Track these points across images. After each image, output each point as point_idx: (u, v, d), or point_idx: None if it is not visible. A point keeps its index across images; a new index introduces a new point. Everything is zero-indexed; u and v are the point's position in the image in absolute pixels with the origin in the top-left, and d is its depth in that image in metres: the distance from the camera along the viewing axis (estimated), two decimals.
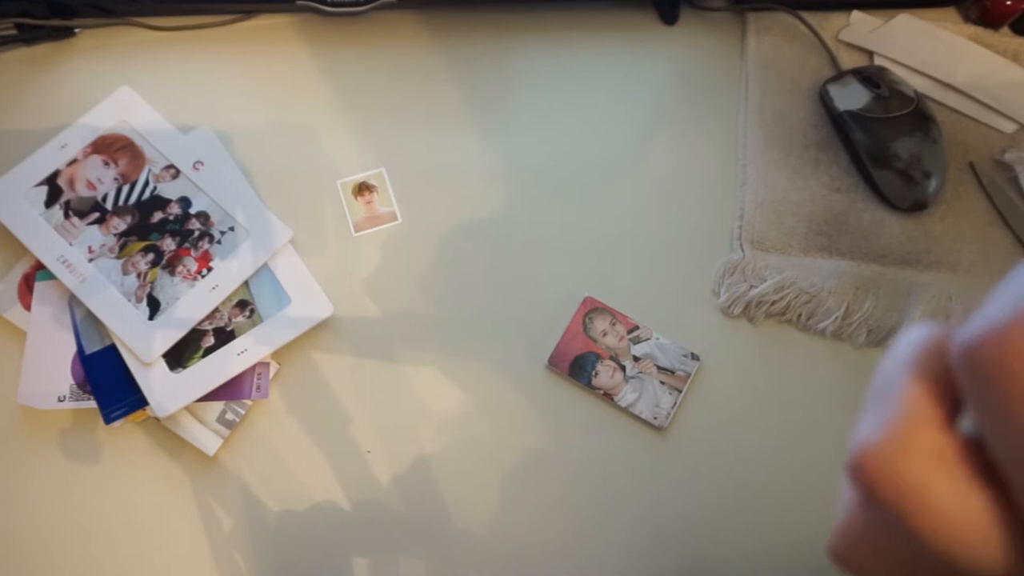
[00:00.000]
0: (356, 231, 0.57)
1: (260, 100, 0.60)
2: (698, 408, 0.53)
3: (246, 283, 0.54)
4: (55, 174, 0.55)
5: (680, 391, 0.52)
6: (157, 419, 0.50)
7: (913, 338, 0.16)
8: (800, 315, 0.55)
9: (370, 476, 0.51)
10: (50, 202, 0.54)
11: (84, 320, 0.52)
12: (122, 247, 0.53)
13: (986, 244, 0.57)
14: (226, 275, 0.53)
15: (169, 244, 0.54)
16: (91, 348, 0.51)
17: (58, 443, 0.51)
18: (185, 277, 0.53)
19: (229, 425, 0.51)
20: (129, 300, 0.52)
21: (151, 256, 0.53)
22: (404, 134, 0.60)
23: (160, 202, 0.55)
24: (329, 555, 0.49)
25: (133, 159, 0.56)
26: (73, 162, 0.55)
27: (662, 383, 0.52)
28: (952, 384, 0.15)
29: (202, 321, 0.52)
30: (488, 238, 0.57)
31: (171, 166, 0.56)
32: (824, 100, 0.61)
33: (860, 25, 0.64)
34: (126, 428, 0.51)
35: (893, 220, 0.57)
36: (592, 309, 0.54)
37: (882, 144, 0.57)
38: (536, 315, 0.55)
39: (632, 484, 0.51)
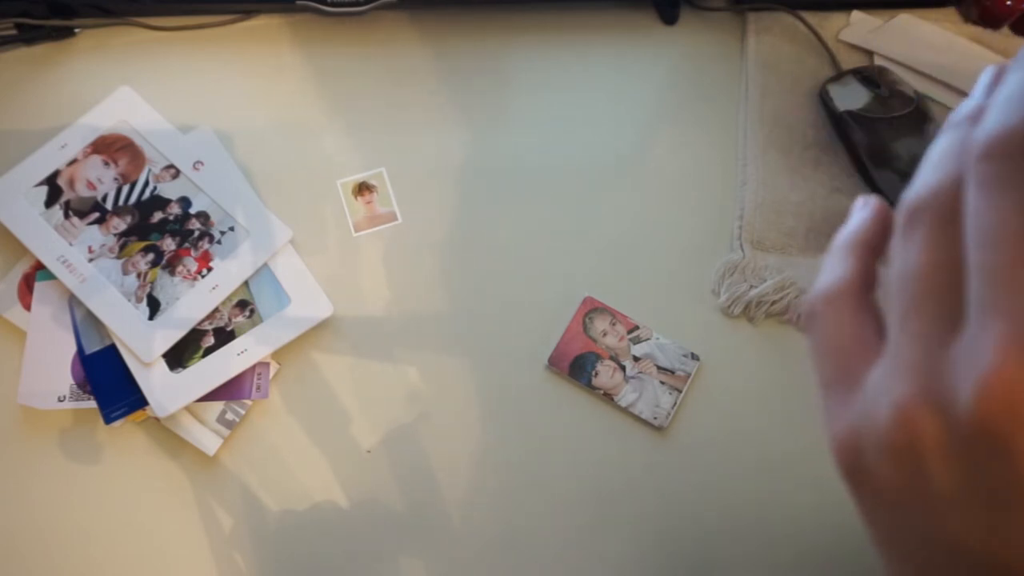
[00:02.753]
0: (356, 231, 0.57)
1: (260, 100, 0.60)
2: (698, 408, 0.53)
3: (246, 283, 0.54)
4: (55, 174, 0.55)
5: (680, 391, 0.52)
6: (157, 419, 0.50)
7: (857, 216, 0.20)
8: (800, 315, 0.55)
9: (370, 476, 0.51)
10: (50, 202, 0.54)
11: (84, 320, 0.52)
12: (122, 247, 0.53)
13: None
14: (226, 275, 0.53)
15: (169, 244, 0.54)
16: (91, 348, 0.51)
17: (58, 443, 0.51)
18: (185, 277, 0.53)
19: (229, 425, 0.51)
20: (129, 300, 0.52)
21: (151, 256, 0.53)
22: (404, 134, 0.60)
23: (160, 202, 0.55)
24: (329, 555, 0.49)
25: (133, 159, 0.56)
26: (73, 162, 0.55)
27: (662, 383, 0.53)
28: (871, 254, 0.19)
29: (202, 321, 0.52)
30: (488, 238, 0.57)
31: (171, 166, 0.56)
32: (824, 100, 0.61)
33: (860, 25, 0.64)
34: (126, 428, 0.51)
35: None
36: (592, 309, 0.54)
37: (882, 144, 0.57)
38: (536, 315, 0.55)
39: (632, 484, 0.51)
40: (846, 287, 0.19)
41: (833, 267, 0.19)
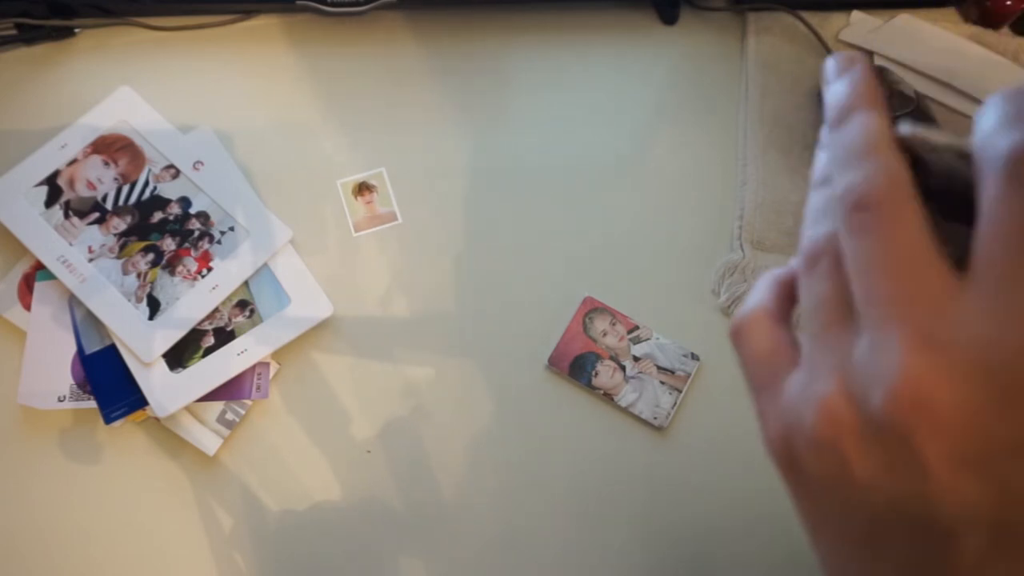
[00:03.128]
0: (356, 231, 0.57)
1: (260, 100, 0.60)
2: (698, 408, 0.53)
3: (246, 283, 0.54)
4: (55, 174, 0.55)
5: (680, 391, 0.52)
6: (157, 419, 0.50)
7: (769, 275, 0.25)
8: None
9: (370, 476, 0.51)
10: (50, 202, 0.54)
11: (84, 320, 0.52)
12: (122, 247, 0.53)
13: None
14: (226, 275, 0.53)
15: (169, 244, 0.54)
16: (91, 348, 0.51)
17: (58, 443, 0.51)
18: (185, 277, 0.53)
19: (229, 425, 0.51)
20: (129, 300, 0.52)
21: (151, 256, 0.53)
22: (404, 134, 0.60)
23: (160, 202, 0.55)
24: (329, 555, 0.49)
25: (133, 159, 0.56)
26: (73, 162, 0.55)
27: (662, 383, 0.53)
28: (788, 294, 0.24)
29: (202, 321, 0.52)
30: (488, 238, 0.57)
31: (171, 166, 0.56)
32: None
33: (860, 25, 0.64)
34: (126, 428, 0.51)
35: None
36: (592, 309, 0.54)
37: None
38: (536, 315, 0.55)
39: (632, 484, 0.51)
40: (765, 309, 0.23)
41: (755, 295, 0.24)
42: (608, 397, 0.52)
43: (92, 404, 0.50)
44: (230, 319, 0.52)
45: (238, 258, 0.54)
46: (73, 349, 0.51)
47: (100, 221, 0.54)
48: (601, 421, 0.52)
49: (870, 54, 0.63)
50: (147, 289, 0.52)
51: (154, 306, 0.52)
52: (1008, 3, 0.63)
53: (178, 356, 0.51)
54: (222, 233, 0.54)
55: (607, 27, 0.64)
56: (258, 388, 0.52)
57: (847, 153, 0.20)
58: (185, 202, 0.55)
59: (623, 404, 0.52)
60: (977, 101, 0.61)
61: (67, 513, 0.50)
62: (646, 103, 0.62)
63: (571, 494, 0.51)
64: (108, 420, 0.50)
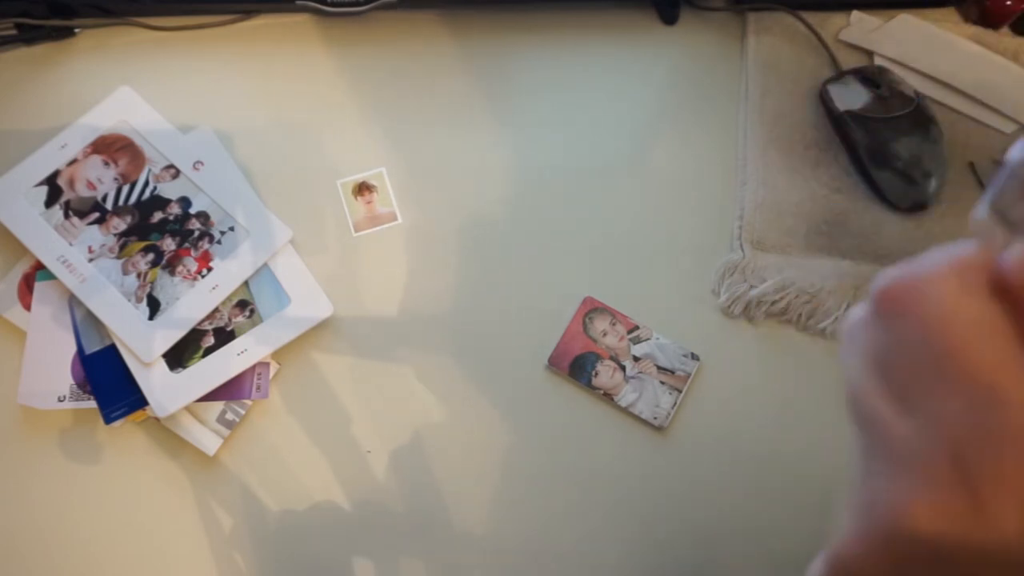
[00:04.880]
0: (356, 231, 0.57)
1: (260, 100, 0.60)
2: (698, 408, 0.53)
3: (246, 283, 0.54)
4: (55, 174, 0.55)
5: (680, 391, 0.52)
6: (157, 419, 0.50)
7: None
8: (800, 315, 0.55)
9: (370, 476, 0.51)
10: (50, 202, 0.54)
11: (84, 320, 0.52)
12: (122, 247, 0.53)
13: None
14: (226, 275, 0.53)
15: (169, 244, 0.54)
16: (91, 348, 0.51)
17: (58, 443, 0.51)
18: (185, 277, 0.53)
19: (229, 425, 0.51)
20: (129, 300, 0.52)
21: (151, 256, 0.53)
22: (404, 134, 0.60)
23: (160, 202, 0.55)
24: (329, 555, 0.49)
25: (133, 159, 0.56)
26: (73, 162, 0.55)
27: (662, 383, 0.53)
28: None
29: (202, 321, 0.52)
30: (488, 238, 0.57)
31: (171, 166, 0.56)
32: (824, 100, 0.61)
33: (860, 25, 0.64)
34: (126, 428, 0.51)
35: (893, 220, 0.57)
36: (592, 309, 0.54)
37: (882, 144, 0.57)
38: (536, 315, 0.55)
39: (632, 484, 0.51)
40: None
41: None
42: (608, 397, 0.52)
43: (92, 404, 0.50)
44: (230, 319, 0.52)
45: (238, 258, 0.54)
46: (73, 349, 0.51)
47: (100, 221, 0.54)
48: (601, 421, 0.52)
49: (870, 54, 0.63)
50: (147, 289, 0.52)
51: (154, 306, 0.52)
52: (1008, 3, 0.63)
53: (178, 356, 0.51)
54: (222, 233, 0.54)
55: (607, 27, 0.65)
56: (258, 388, 0.52)
57: None
58: (185, 202, 0.55)
59: (623, 404, 0.52)
60: (977, 101, 0.61)
61: (67, 513, 0.50)
62: (646, 103, 0.62)
63: (571, 493, 0.51)
64: (108, 420, 0.50)
